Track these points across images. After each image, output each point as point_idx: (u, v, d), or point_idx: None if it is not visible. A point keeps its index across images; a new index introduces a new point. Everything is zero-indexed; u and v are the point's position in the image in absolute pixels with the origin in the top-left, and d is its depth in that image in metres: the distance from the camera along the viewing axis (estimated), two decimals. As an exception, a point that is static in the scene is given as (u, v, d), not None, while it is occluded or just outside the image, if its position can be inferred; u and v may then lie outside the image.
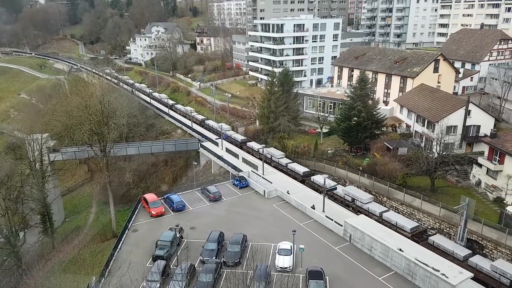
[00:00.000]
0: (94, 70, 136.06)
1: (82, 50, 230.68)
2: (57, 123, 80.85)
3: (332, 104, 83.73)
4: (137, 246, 45.70)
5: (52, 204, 66.39)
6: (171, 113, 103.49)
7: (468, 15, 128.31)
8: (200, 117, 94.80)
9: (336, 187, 55.29)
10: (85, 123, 65.11)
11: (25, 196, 63.47)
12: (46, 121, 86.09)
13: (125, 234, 48.28)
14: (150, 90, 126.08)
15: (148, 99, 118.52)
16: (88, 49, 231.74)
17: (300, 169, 62.45)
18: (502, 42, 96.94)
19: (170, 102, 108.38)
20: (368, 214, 50.20)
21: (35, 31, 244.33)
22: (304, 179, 61.07)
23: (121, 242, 46.65)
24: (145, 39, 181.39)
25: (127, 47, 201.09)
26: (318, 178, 58.41)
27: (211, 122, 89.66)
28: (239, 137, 78.93)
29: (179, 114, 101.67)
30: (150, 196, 55.47)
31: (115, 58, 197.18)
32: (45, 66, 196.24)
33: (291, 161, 65.63)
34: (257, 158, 69.91)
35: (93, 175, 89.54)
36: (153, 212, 52.33)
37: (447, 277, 35.35)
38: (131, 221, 51.29)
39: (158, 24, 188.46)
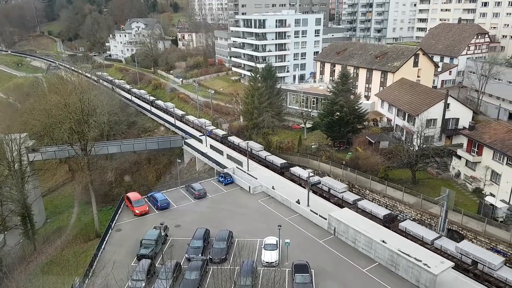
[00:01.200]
0: (73, 68, 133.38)
1: (60, 47, 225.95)
2: (35, 122, 79.03)
3: (315, 100, 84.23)
4: (121, 245, 45.26)
5: (32, 205, 65.05)
6: (153, 110, 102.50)
7: (446, 9, 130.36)
8: (180, 112, 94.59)
9: (320, 182, 55.95)
10: (65, 121, 63.88)
11: (4, 198, 62.08)
12: (24, 120, 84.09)
13: (108, 234, 47.74)
14: (151, 97, 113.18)
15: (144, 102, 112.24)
16: (67, 46, 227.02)
17: (278, 161, 64.00)
18: (479, 36, 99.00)
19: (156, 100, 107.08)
20: (343, 203, 51.95)
21: (10, 28, 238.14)
22: (282, 171, 62.41)
23: (105, 242, 46.15)
24: (125, 36, 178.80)
25: (106, 44, 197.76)
26: (298, 170, 60.01)
27: (191, 118, 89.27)
28: (220, 132, 79.42)
29: (161, 111, 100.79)
30: (133, 195, 54.93)
31: (94, 55, 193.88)
32: (22, 64, 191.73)
33: (270, 153, 67.30)
34: (237, 152, 71.38)
35: (74, 175, 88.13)
36: (137, 211, 51.86)
37: (429, 267, 36.14)
38: (115, 221, 50.74)
39: (138, 20, 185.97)
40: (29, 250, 60.11)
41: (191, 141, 78.36)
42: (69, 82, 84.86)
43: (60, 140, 74.89)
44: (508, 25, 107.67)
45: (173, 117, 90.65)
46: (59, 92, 69.65)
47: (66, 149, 70.62)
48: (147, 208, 52.76)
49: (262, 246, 42.23)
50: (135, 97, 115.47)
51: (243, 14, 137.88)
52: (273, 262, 40.01)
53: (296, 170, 60.45)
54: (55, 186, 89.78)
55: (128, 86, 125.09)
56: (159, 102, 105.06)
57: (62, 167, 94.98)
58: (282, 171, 62.75)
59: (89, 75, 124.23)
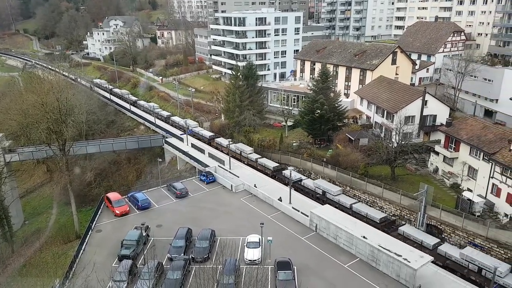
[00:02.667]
0: (50, 66, 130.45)
1: (37, 46, 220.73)
2: (12, 122, 77.08)
3: (295, 98, 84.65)
4: (102, 246, 44.67)
5: (10, 207, 63.58)
6: (133, 109, 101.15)
7: (423, 8, 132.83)
8: (165, 113, 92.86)
9: (301, 179, 56.30)
10: (42, 121, 62.53)
11: (-20, 200, 60.34)
12: (0, 121, 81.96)
13: (88, 235, 47.06)
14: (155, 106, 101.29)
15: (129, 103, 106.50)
16: (43, 45, 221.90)
17: (270, 164, 62.79)
18: (455, 34, 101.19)
19: (155, 106, 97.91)
20: (339, 206, 51.10)
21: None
22: (274, 174, 61.65)
23: (85, 243, 45.48)
24: (103, 33, 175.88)
25: (84, 42, 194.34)
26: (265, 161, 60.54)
27: (176, 119, 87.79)
28: (207, 133, 78.13)
29: (144, 111, 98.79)
30: (113, 195, 54.24)
31: (72, 54, 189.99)
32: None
33: (260, 156, 65.93)
34: (226, 154, 69.00)
35: (53, 175, 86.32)
36: (117, 212, 51.24)
37: (409, 262, 36.86)
38: (95, 222, 50.02)
39: (116, 18, 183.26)
40: (7, 252, 58.76)
41: (172, 140, 77.74)
42: (46, 81, 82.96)
43: (38, 140, 73.34)
44: (483, 23, 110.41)
45: (168, 122, 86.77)
46: (36, 91, 68.03)
47: (44, 150, 69.19)
48: (128, 208, 52.16)
49: (245, 244, 42.32)
50: (140, 108, 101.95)
51: (222, 12, 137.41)
52: (255, 260, 40.13)
53: (287, 173, 58.12)
54: (33, 187, 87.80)
55: (133, 98, 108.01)
56: (142, 102, 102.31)
57: (40, 168, 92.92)
58: (274, 174, 61.38)
59: (66, 74, 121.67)
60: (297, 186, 56.62)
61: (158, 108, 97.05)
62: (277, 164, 63.11)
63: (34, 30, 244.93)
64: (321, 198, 54.27)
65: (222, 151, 71.20)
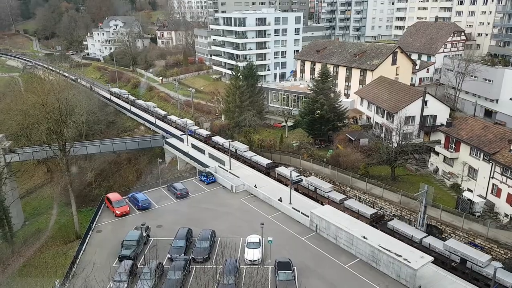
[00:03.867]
0: (50, 67, 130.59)
1: (37, 46, 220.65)
2: (12, 122, 77.19)
3: (296, 98, 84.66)
4: (102, 247, 44.66)
5: (10, 207, 63.55)
6: (133, 109, 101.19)
7: (423, 8, 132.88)
8: (163, 112, 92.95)
9: (301, 179, 56.34)
10: (43, 122, 62.56)
11: (-20, 200, 60.30)
12: (1, 121, 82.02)
13: (89, 235, 47.03)
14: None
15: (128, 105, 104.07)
16: (43, 45, 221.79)
17: (264, 161, 63.80)
18: (456, 34, 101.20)
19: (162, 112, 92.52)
20: (329, 202, 52.06)
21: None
22: (268, 171, 62.40)
23: (85, 243, 45.45)
24: (103, 34, 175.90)
25: (84, 43, 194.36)
26: (282, 170, 60.19)
27: (173, 118, 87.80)
28: (204, 132, 78.65)
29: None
30: (113, 196, 54.21)
31: (72, 54, 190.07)
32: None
33: (255, 154, 66.78)
34: (221, 152, 70.49)
35: (53, 176, 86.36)
36: (118, 212, 51.21)
37: (409, 262, 36.84)
38: (95, 222, 50.00)
39: (116, 18, 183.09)
40: (7, 253, 58.76)
41: (172, 140, 77.75)
42: (46, 82, 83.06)
43: (38, 141, 73.42)
44: (483, 23, 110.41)
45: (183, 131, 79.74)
46: (36, 92, 68.09)
47: (44, 150, 69.14)
48: (128, 209, 52.14)
49: (245, 245, 42.30)
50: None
51: (222, 12, 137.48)
52: (256, 260, 40.11)
53: (281, 170, 60.39)
54: (33, 188, 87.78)
55: (163, 113, 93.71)
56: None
57: (40, 168, 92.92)
58: (268, 171, 62.54)
59: (67, 74, 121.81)
60: (295, 186, 56.67)
61: (157, 108, 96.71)
62: (270, 161, 63.83)
63: (34, 31, 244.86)
64: (312, 195, 55.16)
65: (218, 149, 71.69)
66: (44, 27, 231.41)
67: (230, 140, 69.66)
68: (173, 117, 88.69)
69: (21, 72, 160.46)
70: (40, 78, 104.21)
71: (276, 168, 61.59)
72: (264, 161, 63.91)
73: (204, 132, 78.50)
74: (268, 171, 62.49)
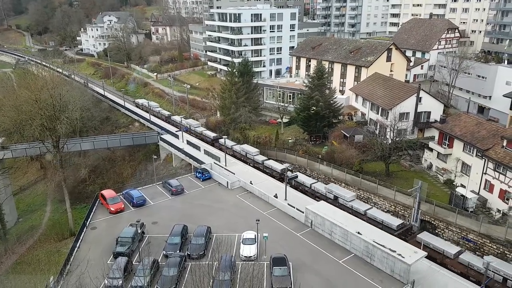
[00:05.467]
0: (43, 62, 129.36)
1: (30, 42, 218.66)
2: (5, 118, 76.30)
3: (291, 94, 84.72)
4: (97, 244, 44.52)
5: (3, 204, 63.34)
6: (127, 105, 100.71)
7: (418, 5, 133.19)
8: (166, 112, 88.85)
9: (297, 176, 56.36)
10: (36, 118, 62.02)
11: (-28, 197, 60.00)
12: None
13: (83, 232, 46.87)
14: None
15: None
16: (36, 40, 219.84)
17: (278, 166, 60.00)
18: (450, 31, 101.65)
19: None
20: (352, 212, 48.34)
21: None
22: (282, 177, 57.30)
23: (80, 240, 45.30)
24: (97, 29, 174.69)
25: (78, 38, 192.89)
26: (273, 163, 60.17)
27: (177, 118, 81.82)
28: (211, 134, 74.51)
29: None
30: (108, 192, 54.01)
31: (65, 50, 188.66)
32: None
33: (267, 158, 63.24)
34: (233, 156, 67.21)
35: (47, 172, 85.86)
36: (112, 209, 51.02)
37: (403, 257, 37.09)
38: (89, 219, 49.83)
39: (110, 14, 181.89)
40: (0, 250, 58.43)
41: (167, 136, 77.50)
42: (39, 77, 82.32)
43: (31, 137, 72.86)
44: (477, 20, 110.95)
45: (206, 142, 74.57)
46: (30, 88, 67.44)
47: (38, 146, 68.76)
48: (123, 206, 51.98)
49: (241, 241, 42.39)
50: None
51: (218, 7, 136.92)
52: (251, 256, 40.24)
53: (304, 179, 56.25)
54: (27, 184, 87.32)
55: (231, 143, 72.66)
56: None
57: (33, 165, 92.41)
58: (282, 177, 56.41)
59: (60, 70, 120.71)
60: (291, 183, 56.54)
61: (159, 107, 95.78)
62: (285, 166, 59.25)
63: (27, 26, 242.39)
64: (334, 204, 50.38)
65: (234, 156, 67.81)
66: (37, 22, 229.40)
67: (239, 143, 68.63)
68: (176, 118, 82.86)
69: (14, 68, 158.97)
70: (33, 73, 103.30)
71: (261, 158, 61.20)
72: (252, 149, 62.84)
73: (211, 134, 74.28)
74: (282, 177, 56.92)
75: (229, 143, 68.03)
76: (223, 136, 66.73)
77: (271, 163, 61.26)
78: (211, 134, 74.43)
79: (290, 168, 59.70)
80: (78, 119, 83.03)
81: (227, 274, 35.48)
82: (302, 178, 56.44)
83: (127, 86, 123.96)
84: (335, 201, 50.92)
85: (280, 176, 58.45)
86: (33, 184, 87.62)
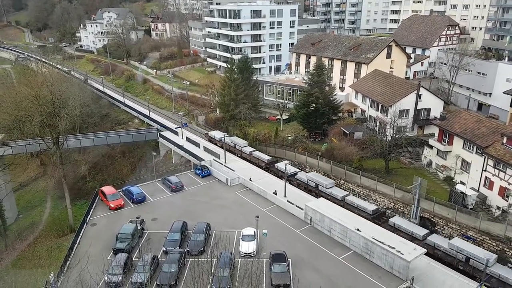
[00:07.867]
0: (43, 59, 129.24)
1: (29, 38, 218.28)
2: (4, 115, 76.28)
3: (291, 91, 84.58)
4: (97, 240, 44.64)
5: (3, 201, 63.29)
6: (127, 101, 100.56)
7: (418, 1, 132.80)
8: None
9: (297, 173, 56.41)
10: (36, 114, 61.94)
11: (-28, 194, 60.01)
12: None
13: (83, 229, 47.01)
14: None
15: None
16: (36, 37, 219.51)
17: (265, 157, 62.60)
18: (450, 28, 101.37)
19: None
20: (331, 198, 51.38)
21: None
22: (268, 167, 61.56)
23: (80, 236, 45.43)
24: (97, 26, 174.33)
25: (77, 34, 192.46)
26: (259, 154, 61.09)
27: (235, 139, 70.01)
28: (265, 157, 63.12)
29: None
30: (108, 189, 54.12)
31: (65, 46, 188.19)
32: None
33: (254, 149, 65.61)
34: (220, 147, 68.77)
35: (47, 169, 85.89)
36: (112, 205, 51.17)
37: (402, 254, 37.21)
38: (89, 215, 49.95)
39: (110, 10, 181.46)
40: (0, 246, 58.57)
41: (167, 133, 77.50)
42: (39, 74, 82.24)
43: (31, 134, 72.84)
44: (477, 17, 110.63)
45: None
46: (29, 84, 67.39)
47: (37, 143, 68.74)
48: (123, 202, 52.10)
49: (240, 237, 42.49)
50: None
51: (217, 4, 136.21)
52: (251, 253, 40.37)
53: (281, 165, 57.95)
54: (27, 181, 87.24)
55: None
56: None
57: (33, 161, 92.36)
58: (267, 166, 61.47)
59: (60, 67, 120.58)
60: (290, 180, 56.68)
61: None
62: (270, 157, 62.91)
63: (26, 22, 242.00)
64: (314, 191, 54.30)
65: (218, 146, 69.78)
66: (37, 19, 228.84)
67: (226, 134, 68.55)
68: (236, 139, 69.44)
69: (13, 64, 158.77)
70: (33, 70, 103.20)
71: (276, 164, 60.73)
72: (241, 141, 64.37)
73: (264, 157, 62.41)
74: (267, 166, 61.45)
75: (218, 135, 69.92)
76: (280, 158, 60.04)
77: (258, 154, 63.69)
78: (265, 157, 62.33)
79: (274, 160, 62.46)
80: (78, 116, 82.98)
81: (227, 270, 35.57)
82: (282, 166, 56.95)
83: (127, 82, 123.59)
84: (315, 188, 54.07)
85: (265, 166, 61.51)
86: (33, 180, 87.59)
